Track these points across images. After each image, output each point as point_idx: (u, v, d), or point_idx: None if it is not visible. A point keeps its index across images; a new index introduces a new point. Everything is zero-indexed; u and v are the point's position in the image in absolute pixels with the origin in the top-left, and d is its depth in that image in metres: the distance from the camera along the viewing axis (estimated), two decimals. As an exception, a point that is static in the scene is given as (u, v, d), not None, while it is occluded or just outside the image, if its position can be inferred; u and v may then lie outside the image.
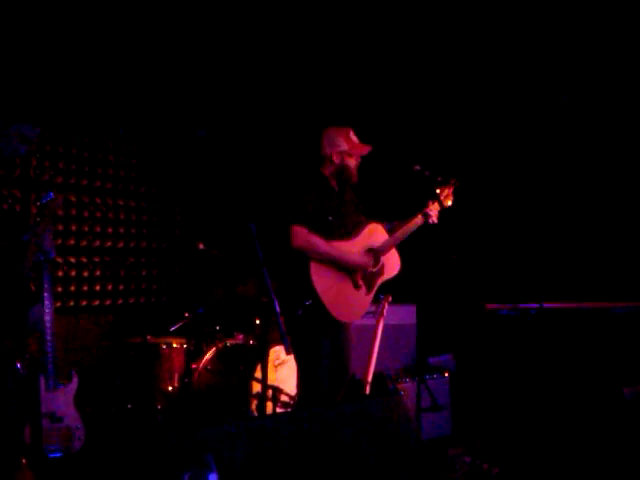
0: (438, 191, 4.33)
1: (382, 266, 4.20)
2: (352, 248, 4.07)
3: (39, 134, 3.73)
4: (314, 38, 5.70)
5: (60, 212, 5.48)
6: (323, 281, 3.92)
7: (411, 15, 5.39)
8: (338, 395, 4.15)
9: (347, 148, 4.14)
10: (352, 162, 4.17)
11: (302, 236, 3.90)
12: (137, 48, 5.57)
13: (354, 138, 4.19)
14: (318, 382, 4.01)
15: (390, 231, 4.26)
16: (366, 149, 4.18)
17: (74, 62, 5.40)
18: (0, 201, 5.16)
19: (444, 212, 4.42)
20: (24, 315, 3.79)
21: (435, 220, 4.28)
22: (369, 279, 4.15)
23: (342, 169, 4.16)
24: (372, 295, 4.20)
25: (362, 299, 4.14)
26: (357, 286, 4.08)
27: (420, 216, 4.26)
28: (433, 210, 4.27)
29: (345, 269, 4.03)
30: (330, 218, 4.04)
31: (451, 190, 4.39)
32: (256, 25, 5.50)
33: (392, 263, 4.28)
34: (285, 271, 4.05)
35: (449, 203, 4.38)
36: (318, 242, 3.93)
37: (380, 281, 4.21)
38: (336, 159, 4.14)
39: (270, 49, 5.79)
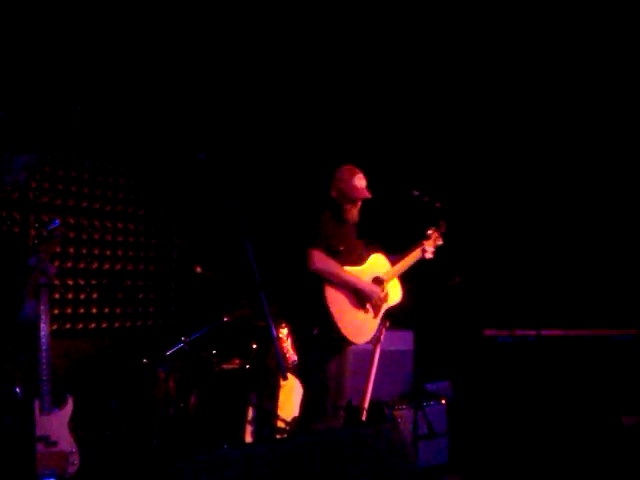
0: (429, 232, 4.64)
1: (386, 294, 4.36)
2: (361, 275, 4.25)
3: (38, 159, 3.79)
4: (317, 59, 5.77)
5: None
6: (337, 303, 4.08)
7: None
8: (337, 421, 4.16)
9: (352, 192, 4.29)
10: (356, 204, 4.34)
11: (320, 259, 4.04)
12: (137, 72, 5.61)
13: (361, 183, 4.32)
14: (321, 405, 4.14)
15: (392, 261, 4.46)
16: (367, 196, 4.32)
17: (75, 85, 5.44)
18: (-1, 223, 5.16)
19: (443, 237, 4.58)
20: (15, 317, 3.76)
21: (431, 256, 4.56)
22: (376, 305, 4.30)
23: (347, 207, 4.32)
24: (378, 320, 4.34)
25: (371, 322, 4.30)
26: (366, 310, 4.24)
27: (419, 249, 4.52)
28: (429, 246, 4.56)
29: (357, 293, 4.16)
30: (341, 248, 4.20)
31: (439, 234, 4.68)
32: (258, 46, 5.56)
33: (395, 291, 4.46)
34: (299, 293, 4.23)
35: (439, 243, 4.67)
36: (335, 266, 4.10)
37: (384, 307, 4.36)
38: (342, 198, 4.31)
39: (273, 71, 5.84)
